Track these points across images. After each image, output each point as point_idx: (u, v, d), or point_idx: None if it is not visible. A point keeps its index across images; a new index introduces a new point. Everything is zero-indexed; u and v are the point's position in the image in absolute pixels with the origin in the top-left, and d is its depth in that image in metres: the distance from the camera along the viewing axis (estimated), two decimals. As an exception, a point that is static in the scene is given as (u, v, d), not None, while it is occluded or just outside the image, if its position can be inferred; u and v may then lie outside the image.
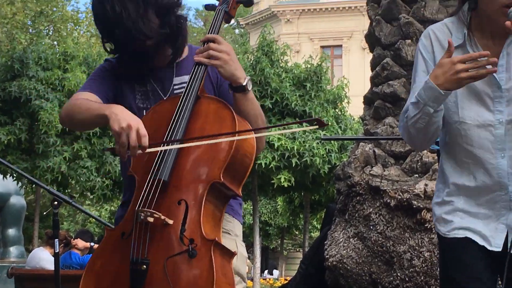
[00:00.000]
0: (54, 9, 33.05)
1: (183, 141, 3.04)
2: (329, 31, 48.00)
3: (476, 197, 3.13)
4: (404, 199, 7.41)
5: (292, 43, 44.04)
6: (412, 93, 3.13)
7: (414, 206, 7.36)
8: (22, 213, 24.56)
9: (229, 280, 2.98)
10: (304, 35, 48.69)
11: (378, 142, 8.23)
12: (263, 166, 19.59)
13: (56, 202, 4.02)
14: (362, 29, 42.38)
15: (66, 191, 20.41)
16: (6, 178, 19.98)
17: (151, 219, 2.93)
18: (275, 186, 20.43)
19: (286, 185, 20.09)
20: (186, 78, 3.26)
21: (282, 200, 30.56)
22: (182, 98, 3.13)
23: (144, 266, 2.93)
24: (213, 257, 2.89)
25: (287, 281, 13.58)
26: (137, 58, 3.25)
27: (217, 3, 3.37)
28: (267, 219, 35.12)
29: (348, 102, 22.49)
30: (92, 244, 11.03)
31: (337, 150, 20.54)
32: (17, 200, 24.14)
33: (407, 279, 7.22)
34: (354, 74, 41.58)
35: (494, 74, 3.03)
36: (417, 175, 7.76)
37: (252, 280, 23.19)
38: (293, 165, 19.90)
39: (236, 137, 2.99)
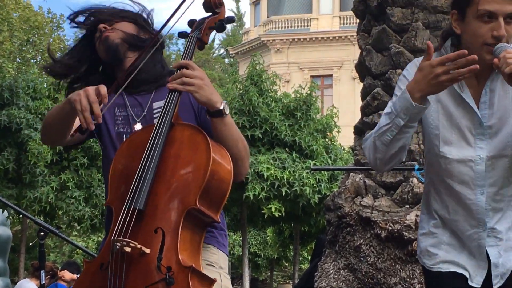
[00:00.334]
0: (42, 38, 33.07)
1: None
2: (319, 61, 48.24)
3: (460, 230, 3.13)
4: (395, 230, 7.40)
5: (282, 72, 44.26)
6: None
7: (405, 237, 7.34)
8: (8, 243, 24.29)
9: None
10: (294, 64, 48.91)
11: (369, 173, 8.21)
12: (252, 196, 19.52)
13: (42, 233, 4.02)
14: (352, 58, 42.66)
15: (54, 221, 20.28)
16: (-9, 208, 19.86)
17: (127, 249, 2.92)
18: (265, 217, 20.37)
19: (276, 215, 20.03)
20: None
21: (272, 231, 30.50)
22: (157, 126, 3.12)
23: None
24: (190, 285, 2.86)
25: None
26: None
27: (189, 30, 3.40)
28: (256, 250, 34.96)
29: (338, 132, 22.53)
30: (78, 276, 10.92)
31: (327, 180, 20.55)
32: (3, 231, 23.89)
33: (398, 311, 7.19)
34: (344, 104, 41.73)
35: (477, 110, 3.03)
36: (408, 206, 7.73)
37: (241, 311, 23.05)
38: (283, 194, 19.85)
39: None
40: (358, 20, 9.62)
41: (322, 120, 21.86)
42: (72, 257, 35.21)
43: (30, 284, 10.93)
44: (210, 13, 3.35)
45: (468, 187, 3.07)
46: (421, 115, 2.95)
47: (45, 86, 20.50)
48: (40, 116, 19.58)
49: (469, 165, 3.06)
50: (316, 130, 21.36)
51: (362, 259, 7.56)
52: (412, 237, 7.24)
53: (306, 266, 30.64)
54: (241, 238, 23.78)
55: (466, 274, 3.10)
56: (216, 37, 65.45)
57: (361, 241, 7.65)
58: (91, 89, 3.00)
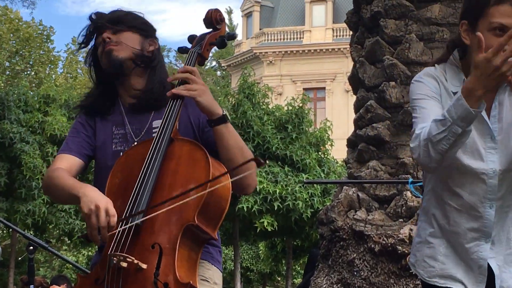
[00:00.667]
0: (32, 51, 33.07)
1: (148, 210, 3.01)
2: (312, 73, 48.35)
3: (459, 242, 3.09)
4: (389, 244, 7.38)
5: (275, 85, 44.31)
6: (420, 120, 2.97)
7: (399, 252, 7.31)
8: (-3, 258, 24.24)
9: None
10: (286, 77, 49.00)
11: (362, 186, 8.18)
12: (245, 210, 19.48)
13: (31, 247, 4.00)
14: (345, 71, 42.77)
15: (44, 236, 20.24)
16: (-20, 223, 19.77)
17: (124, 264, 2.89)
18: (257, 231, 20.32)
19: (269, 229, 20.00)
20: None
21: (264, 245, 30.47)
22: (155, 141, 3.11)
23: None
24: None
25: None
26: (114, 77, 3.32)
27: (190, 45, 3.41)
28: (248, 264, 34.91)
29: (331, 145, 22.52)
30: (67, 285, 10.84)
31: (320, 194, 20.56)
32: (-8, 245, 23.87)
33: (392, 327, 7.17)
34: (338, 117, 41.81)
35: (490, 125, 3.00)
36: (401, 220, 7.73)
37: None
38: (275, 208, 19.83)
39: (197, 194, 2.93)
40: (351, 32, 9.60)
41: (315, 133, 21.85)
42: (62, 271, 35.10)
43: (19, 299, 10.84)
44: (210, 29, 3.38)
45: (478, 200, 3.03)
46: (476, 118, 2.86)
47: (35, 99, 20.48)
48: (30, 129, 19.56)
49: (482, 178, 3.02)
50: (309, 143, 21.36)
51: (355, 273, 7.55)
52: (406, 251, 7.23)
53: (298, 280, 30.59)
54: (233, 253, 23.74)
55: None
56: (208, 50, 65.48)
57: (355, 255, 7.63)
58: (103, 210, 2.93)
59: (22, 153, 18.64)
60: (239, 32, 54.39)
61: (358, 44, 9.14)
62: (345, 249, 7.72)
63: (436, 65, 3.13)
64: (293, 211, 20.03)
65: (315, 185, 20.55)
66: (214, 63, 61.59)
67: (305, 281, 8.34)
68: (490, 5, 2.92)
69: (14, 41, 32.30)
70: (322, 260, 8.06)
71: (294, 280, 31.89)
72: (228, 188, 3.06)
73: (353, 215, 7.87)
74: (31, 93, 21.06)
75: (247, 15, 53.10)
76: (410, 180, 6.01)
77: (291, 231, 21.29)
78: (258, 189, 19.70)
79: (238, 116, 20.70)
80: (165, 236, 2.96)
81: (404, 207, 7.78)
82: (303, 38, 49.70)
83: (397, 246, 7.32)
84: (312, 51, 48.92)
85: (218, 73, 61.30)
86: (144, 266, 2.90)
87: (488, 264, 3.07)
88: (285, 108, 22.01)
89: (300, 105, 21.87)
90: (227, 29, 3.43)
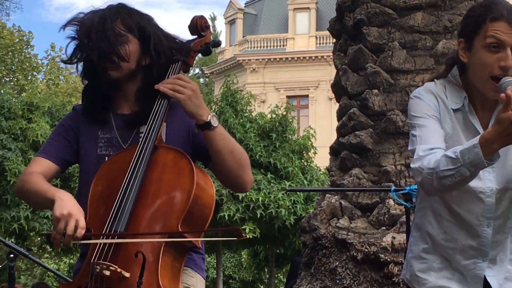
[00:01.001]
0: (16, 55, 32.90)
1: (125, 236, 3.00)
2: (295, 81, 48.36)
3: (456, 259, 3.09)
4: (371, 252, 7.40)
5: (258, 92, 44.30)
6: (421, 140, 2.98)
7: (382, 260, 7.32)
8: (-23, 266, 24.08)
9: None
10: (270, 84, 48.98)
11: (345, 194, 8.18)
12: (227, 217, 19.43)
13: (12, 255, 3.97)
14: (328, 78, 42.71)
15: (25, 243, 20.11)
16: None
17: (107, 272, 2.88)
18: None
19: (251, 237, 19.95)
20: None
21: (247, 254, 30.39)
22: (139, 148, 3.10)
23: None
24: None
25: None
26: (108, 86, 3.25)
27: None
28: (231, 273, 34.82)
29: (314, 153, 22.52)
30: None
31: (303, 202, 20.53)
32: (-28, 253, 23.69)
33: (375, 336, 7.16)
34: (321, 124, 41.80)
35: None
36: (384, 228, 7.73)
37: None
38: (258, 216, 19.78)
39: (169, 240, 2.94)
40: (334, 40, 9.59)
41: (299, 141, 21.84)
42: (43, 279, 34.93)
43: (-1, 307, 10.77)
44: (195, 36, 3.36)
45: (476, 218, 3.04)
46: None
47: (19, 106, 20.37)
48: (13, 136, 19.46)
49: (480, 197, 3.03)
50: (292, 151, 21.34)
51: (337, 281, 7.55)
52: (389, 259, 7.24)
53: (281, 288, 30.54)
54: (215, 260, 23.66)
55: None
56: (191, 57, 65.41)
57: (337, 263, 7.64)
58: (74, 219, 2.94)
59: (5, 159, 18.54)
60: (222, 39, 54.32)
61: (341, 52, 9.14)
62: (328, 257, 7.72)
63: (435, 80, 3.13)
64: (276, 219, 19.99)
65: (298, 192, 20.54)
66: (197, 70, 61.50)
67: (288, 289, 8.33)
68: (486, 22, 2.94)
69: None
70: (305, 268, 8.05)
71: (277, 288, 31.87)
72: (212, 196, 3.07)
73: (336, 223, 7.87)
74: (14, 100, 20.92)
75: (231, 22, 53.07)
76: (393, 188, 5.97)
77: (274, 238, 21.25)
78: (240, 197, 19.67)
79: (221, 123, 20.67)
80: (148, 245, 2.95)
81: (386, 215, 7.78)
82: (286, 45, 49.73)
83: (380, 254, 7.33)
84: (296, 58, 48.94)
85: (201, 80, 61.19)
86: (127, 274, 2.89)
87: (486, 279, 3.06)
88: (269, 116, 21.99)
89: (284, 113, 21.85)
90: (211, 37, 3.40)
